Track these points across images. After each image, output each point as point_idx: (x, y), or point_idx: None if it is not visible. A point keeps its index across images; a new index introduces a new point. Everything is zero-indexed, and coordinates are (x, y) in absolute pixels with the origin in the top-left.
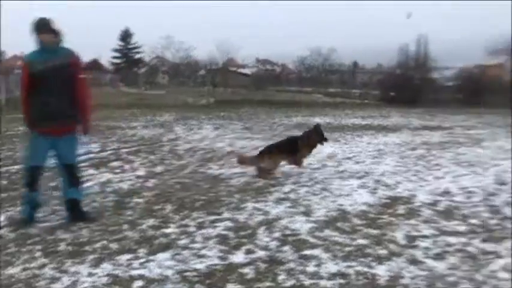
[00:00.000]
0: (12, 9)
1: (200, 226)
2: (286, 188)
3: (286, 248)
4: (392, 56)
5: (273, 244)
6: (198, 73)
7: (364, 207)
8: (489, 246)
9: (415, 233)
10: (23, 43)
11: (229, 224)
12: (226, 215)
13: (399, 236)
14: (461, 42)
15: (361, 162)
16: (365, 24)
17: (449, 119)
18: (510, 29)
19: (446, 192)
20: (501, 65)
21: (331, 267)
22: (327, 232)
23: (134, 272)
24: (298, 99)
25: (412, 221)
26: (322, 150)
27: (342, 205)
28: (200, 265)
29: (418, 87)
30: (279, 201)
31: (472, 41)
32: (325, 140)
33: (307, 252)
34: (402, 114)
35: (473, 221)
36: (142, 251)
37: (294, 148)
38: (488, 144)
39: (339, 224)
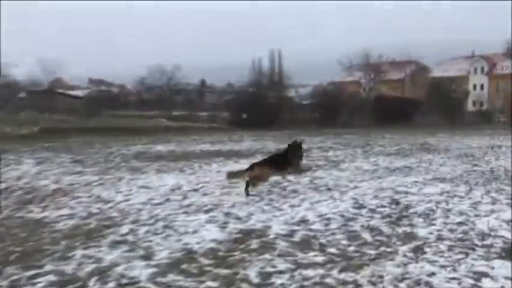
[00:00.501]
0: None
1: (14, 285)
2: (124, 229)
3: None
4: (244, 74)
5: None
6: (17, 96)
7: (213, 245)
8: (348, 276)
9: (270, 269)
10: None
11: (52, 278)
12: (49, 267)
13: (252, 274)
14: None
15: (210, 194)
16: (213, 40)
17: (306, 140)
18: (366, 44)
19: (302, 221)
20: (357, 81)
21: None
22: (171, 277)
23: None
24: (138, 125)
25: (267, 256)
26: (166, 182)
27: (187, 244)
28: None
29: (273, 107)
30: (114, 245)
31: (328, 56)
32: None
33: None
34: (256, 137)
35: (332, 249)
36: None
37: (284, 161)
38: (347, 165)
39: (184, 266)
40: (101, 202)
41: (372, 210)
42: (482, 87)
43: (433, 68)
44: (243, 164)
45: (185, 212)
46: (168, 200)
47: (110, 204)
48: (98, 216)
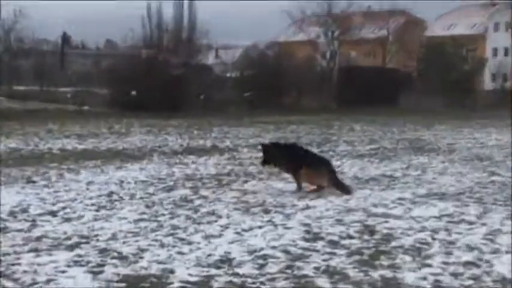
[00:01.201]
0: None
1: None
2: None
3: None
4: (134, 28)
5: None
6: None
7: None
8: None
9: None
10: None
11: None
12: None
13: None
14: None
15: (76, 219)
16: None
17: (230, 134)
18: None
19: (224, 261)
20: (314, 42)
21: None
22: None
23: None
24: None
25: None
26: (2, 201)
27: None
28: None
29: (180, 81)
30: None
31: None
32: None
33: None
34: (152, 128)
35: None
36: None
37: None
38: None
39: None
40: None
41: (333, 243)
42: (506, 52)
43: (431, 23)
44: (131, 171)
45: (34, 250)
46: (5, 229)
47: None
48: None
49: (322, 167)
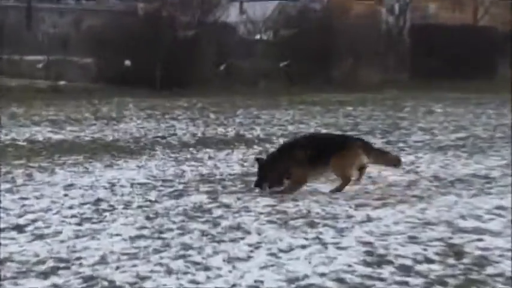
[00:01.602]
0: None
1: None
2: None
3: None
4: None
5: None
6: None
7: None
8: None
9: None
10: None
11: None
12: None
13: None
14: None
15: (51, 236)
16: None
17: (257, 118)
18: None
19: None
20: None
21: None
22: None
23: None
24: None
25: None
26: None
27: None
28: None
29: (189, 45)
30: None
31: None
32: None
33: None
34: (151, 111)
35: None
36: None
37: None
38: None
39: None
40: None
41: (405, 269)
42: None
43: None
44: (126, 171)
45: None
46: None
47: None
48: None
49: (353, 143)
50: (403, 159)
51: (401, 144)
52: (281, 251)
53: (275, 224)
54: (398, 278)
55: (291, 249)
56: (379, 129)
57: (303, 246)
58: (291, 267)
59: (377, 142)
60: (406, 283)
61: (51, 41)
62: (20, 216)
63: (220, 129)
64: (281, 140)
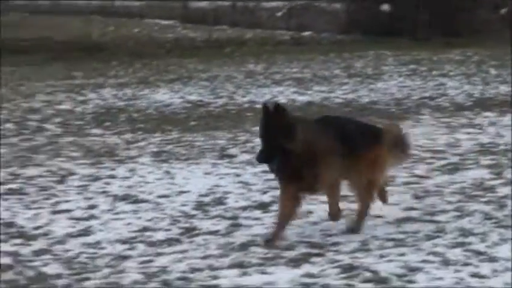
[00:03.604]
0: None
1: None
2: None
3: None
4: None
5: None
6: None
7: None
8: None
9: None
10: None
11: None
12: None
13: None
14: None
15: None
16: None
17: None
18: None
19: None
20: None
21: None
22: None
23: None
24: None
25: None
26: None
27: None
28: None
29: None
30: None
31: None
32: None
33: None
34: (415, 65)
35: None
36: None
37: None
38: None
39: None
40: None
41: None
42: None
43: None
44: None
45: None
46: None
47: None
48: None
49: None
50: None
51: None
52: None
53: None
54: None
55: None
56: None
57: None
58: None
59: None
60: None
61: None
62: (264, 192)
63: (503, 88)
64: None
